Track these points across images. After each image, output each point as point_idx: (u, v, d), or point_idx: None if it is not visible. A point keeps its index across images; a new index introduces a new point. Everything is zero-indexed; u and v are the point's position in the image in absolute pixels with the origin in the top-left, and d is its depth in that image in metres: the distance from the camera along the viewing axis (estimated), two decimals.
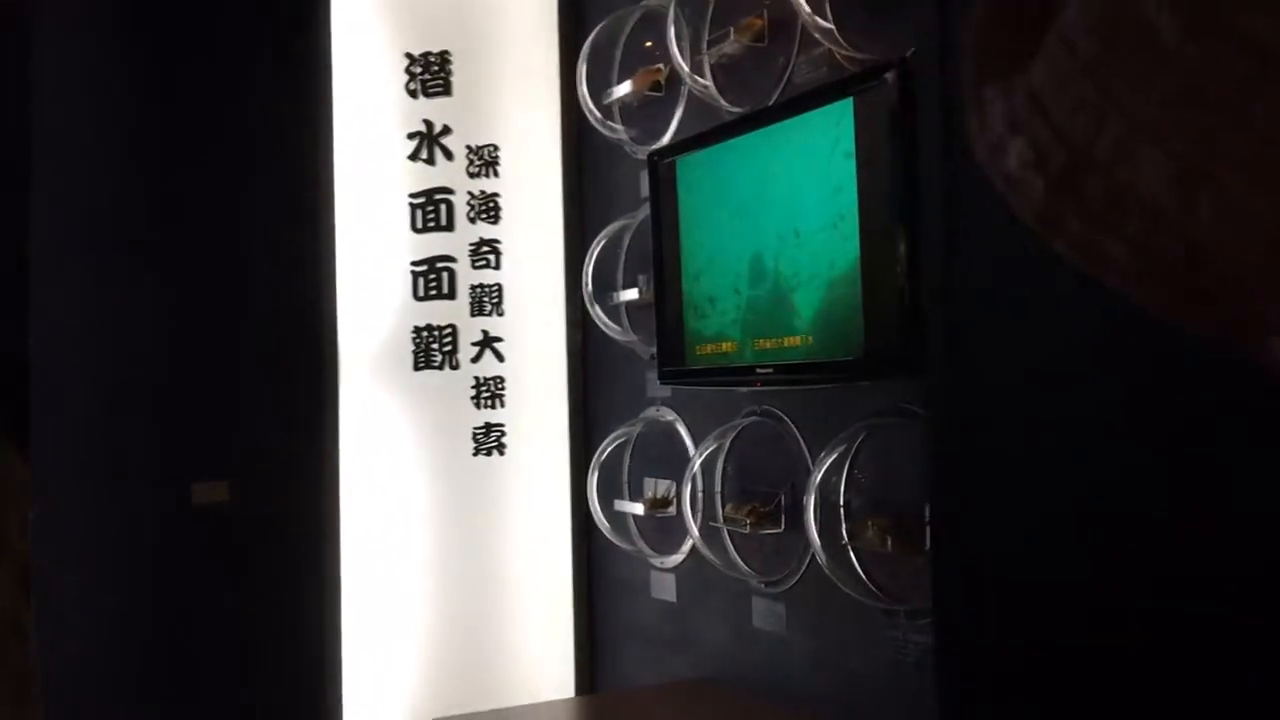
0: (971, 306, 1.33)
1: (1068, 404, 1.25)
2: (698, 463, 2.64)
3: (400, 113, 3.23)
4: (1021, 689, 1.35)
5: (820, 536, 2.24)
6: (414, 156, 3.23)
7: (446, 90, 3.23)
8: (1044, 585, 1.32)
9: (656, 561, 2.93)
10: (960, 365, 1.30)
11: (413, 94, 3.23)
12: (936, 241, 1.31)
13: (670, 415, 2.86)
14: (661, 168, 2.61)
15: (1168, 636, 1.18)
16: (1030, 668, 1.34)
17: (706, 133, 2.48)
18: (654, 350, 2.80)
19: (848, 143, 2.05)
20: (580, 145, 3.20)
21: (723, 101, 2.60)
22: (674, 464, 2.83)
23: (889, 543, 2.09)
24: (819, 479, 2.24)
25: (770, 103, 2.43)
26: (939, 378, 1.29)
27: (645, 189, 2.90)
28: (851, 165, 2.04)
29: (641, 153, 2.93)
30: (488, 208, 3.23)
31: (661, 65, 2.85)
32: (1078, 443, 1.26)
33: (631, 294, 2.88)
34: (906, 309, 1.95)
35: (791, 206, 2.20)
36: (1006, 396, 1.35)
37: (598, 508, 3.00)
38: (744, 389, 2.53)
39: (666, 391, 2.86)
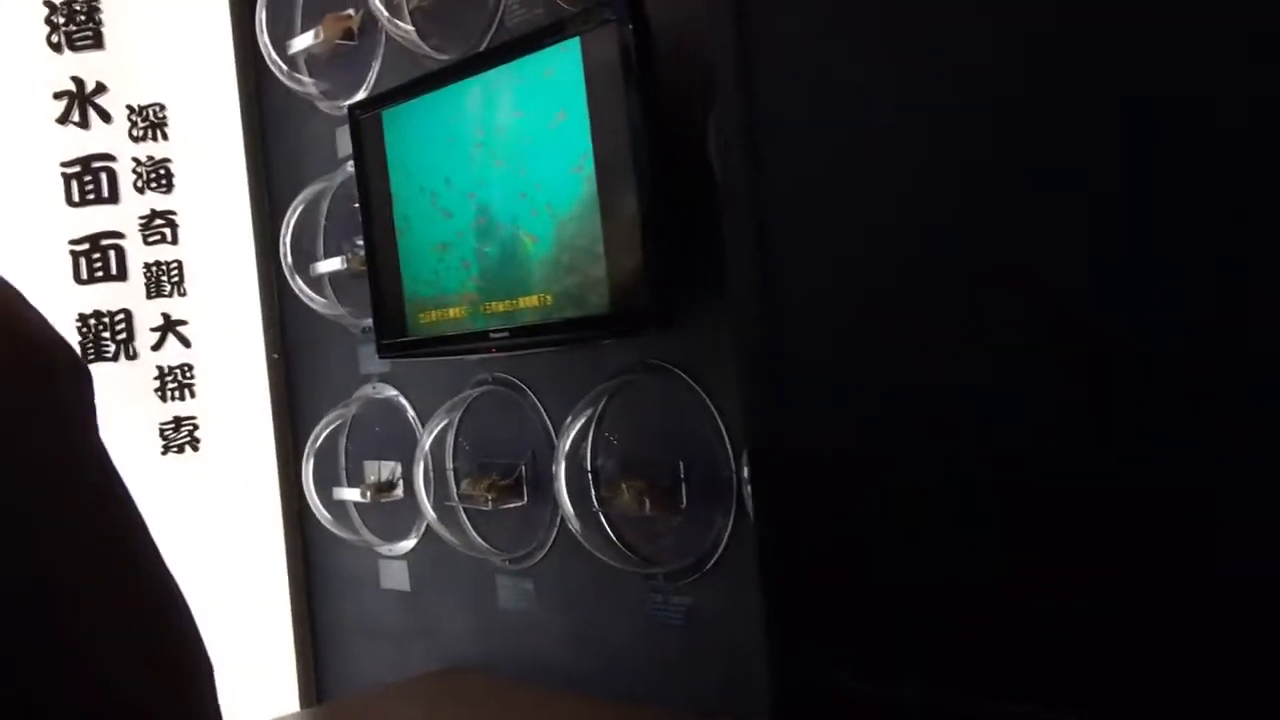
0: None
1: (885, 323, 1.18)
2: (427, 440, 2.45)
3: (43, 69, 2.80)
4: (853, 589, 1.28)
5: (572, 505, 2.12)
6: (63, 119, 2.82)
7: (98, 43, 2.82)
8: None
9: (384, 549, 2.72)
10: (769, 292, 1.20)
11: (56, 47, 2.81)
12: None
13: (390, 392, 2.65)
14: (365, 122, 2.38)
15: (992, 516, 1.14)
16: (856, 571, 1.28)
17: (416, 81, 2.27)
18: (367, 323, 2.57)
19: (577, 87, 1.92)
20: (262, 102, 2.90)
21: (426, 48, 2.41)
22: (398, 444, 2.63)
23: (646, 504, 1.99)
24: (568, 445, 2.11)
25: (482, 48, 2.26)
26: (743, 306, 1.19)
27: (343, 147, 2.66)
28: (584, 110, 1.91)
29: (335, 108, 2.68)
30: (158, 175, 2.87)
31: (352, 11, 2.61)
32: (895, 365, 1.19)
33: (335, 263, 2.64)
34: (652, 261, 1.84)
35: (520, 157, 2.04)
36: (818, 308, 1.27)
37: (315, 498, 2.75)
38: (475, 357, 2.36)
39: (385, 366, 2.65)
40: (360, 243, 2.56)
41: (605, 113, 1.89)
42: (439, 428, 2.45)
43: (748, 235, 1.23)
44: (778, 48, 1.23)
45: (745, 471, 1.83)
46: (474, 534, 2.46)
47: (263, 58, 2.76)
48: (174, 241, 2.88)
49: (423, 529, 2.59)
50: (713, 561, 1.99)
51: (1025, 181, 1.07)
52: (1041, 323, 1.07)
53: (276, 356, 2.94)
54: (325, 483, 2.75)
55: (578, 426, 2.11)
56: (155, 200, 2.87)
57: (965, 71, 1.10)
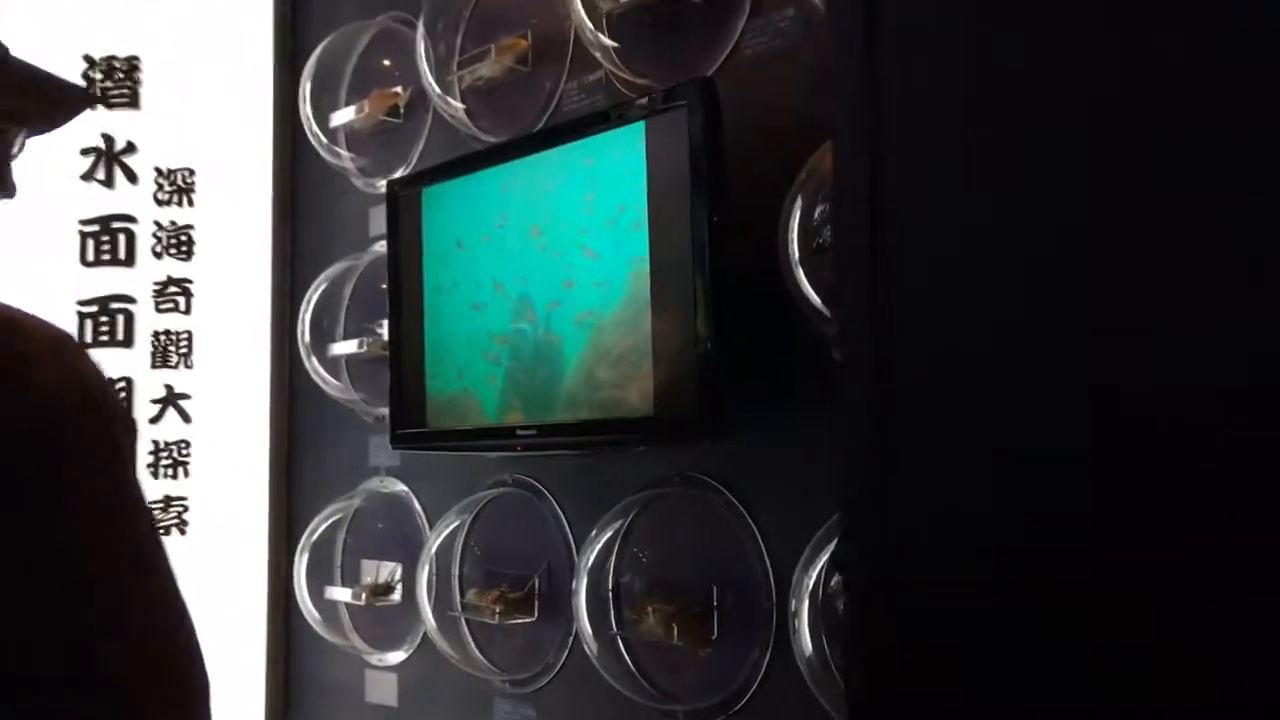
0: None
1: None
2: (435, 542, 2.26)
3: (74, 124, 2.70)
4: None
5: (591, 626, 1.93)
6: (88, 176, 2.71)
7: (133, 102, 2.74)
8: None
9: (374, 659, 2.50)
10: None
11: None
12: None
13: (398, 486, 2.47)
14: (404, 199, 2.26)
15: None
16: None
17: (462, 159, 2.15)
18: (382, 411, 2.42)
19: (637, 177, 1.80)
20: (296, 174, 2.79)
21: (474, 129, 2.30)
22: (401, 544, 2.44)
23: (675, 632, 1.80)
24: (592, 559, 1.93)
25: (536, 129, 2.15)
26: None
27: (375, 227, 2.54)
28: (642, 203, 1.78)
29: (371, 185, 2.57)
30: (178, 241, 2.75)
31: (400, 89, 2.52)
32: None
33: (353, 345, 2.49)
34: (705, 362, 1.69)
35: (567, 245, 1.91)
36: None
37: (305, 595, 2.55)
38: (494, 455, 2.19)
39: (395, 459, 2.48)
40: (382, 327, 2.42)
41: (666, 206, 1.76)
42: (449, 529, 2.26)
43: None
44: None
45: (793, 603, 1.64)
46: (475, 649, 2.25)
47: (301, 129, 2.66)
48: (187, 311, 2.74)
49: (418, 640, 2.39)
50: (743, 702, 1.78)
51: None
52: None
53: (281, 438, 2.77)
54: (318, 580, 2.56)
55: (604, 539, 1.93)
56: (173, 267, 2.74)
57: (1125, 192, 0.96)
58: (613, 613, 1.96)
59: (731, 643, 1.80)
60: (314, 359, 2.55)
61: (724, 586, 1.82)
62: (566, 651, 2.07)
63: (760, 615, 1.76)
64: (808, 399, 1.71)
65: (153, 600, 0.79)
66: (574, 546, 2.06)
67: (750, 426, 1.72)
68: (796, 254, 1.62)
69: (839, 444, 1.04)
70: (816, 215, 1.62)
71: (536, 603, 2.12)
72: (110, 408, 0.79)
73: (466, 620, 2.25)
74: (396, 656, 2.45)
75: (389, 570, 2.48)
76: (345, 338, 2.55)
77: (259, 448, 2.76)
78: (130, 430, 0.81)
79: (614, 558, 1.94)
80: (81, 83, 2.67)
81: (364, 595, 2.45)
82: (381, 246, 2.49)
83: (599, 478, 2.03)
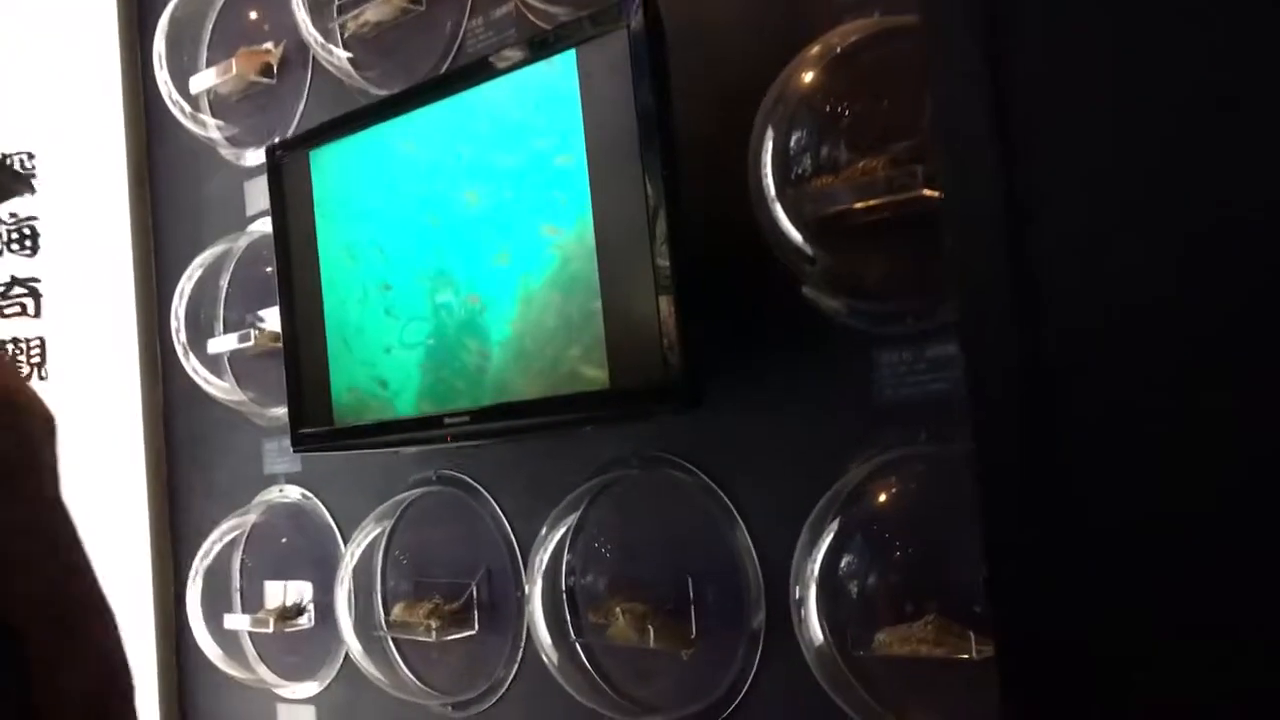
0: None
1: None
2: (353, 556, 1.98)
3: None
4: None
5: (551, 633, 1.68)
6: None
7: None
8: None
9: (286, 691, 2.21)
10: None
11: None
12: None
13: (301, 495, 2.18)
14: (287, 165, 1.96)
15: None
16: None
17: (359, 112, 1.87)
18: (278, 412, 2.12)
19: (570, 114, 1.55)
20: (154, 151, 2.46)
21: (363, 81, 2.02)
22: (309, 560, 2.15)
23: (650, 634, 1.57)
24: (546, 558, 1.69)
25: (441, 73, 1.89)
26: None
27: (252, 203, 2.25)
28: (578, 140, 1.53)
29: (245, 157, 2.26)
30: (21, 236, 2.40)
31: (270, 45, 2.21)
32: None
33: (233, 340, 2.18)
34: (670, 320, 1.45)
35: (492, 204, 1.65)
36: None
37: (200, 627, 2.24)
38: (414, 450, 1.93)
39: (295, 465, 2.18)
40: (269, 316, 2.13)
41: (608, 147, 1.51)
42: (368, 540, 1.99)
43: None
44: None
45: (796, 590, 1.42)
46: (406, 672, 1.98)
47: (157, 99, 2.33)
48: (36, 314, 2.39)
49: (338, 666, 2.10)
50: (730, 709, 1.56)
51: None
52: None
53: (157, 452, 2.44)
54: (214, 608, 2.25)
55: (558, 535, 1.69)
56: (16, 265, 2.39)
57: None
58: (569, 617, 1.71)
59: (714, 643, 1.58)
60: (192, 357, 2.23)
61: (701, 578, 1.59)
62: (516, 665, 1.82)
63: (746, 609, 1.54)
64: (784, 355, 1.50)
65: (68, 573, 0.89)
66: (517, 546, 1.82)
67: (718, 392, 1.49)
68: (773, 188, 1.40)
69: (976, 452, 0.79)
70: (793, 142, 1.40)
71: (476, 613, 1.87)
72: (28, 419, 0.88)
73: (395, 640, 1.98)
74: (312, 687, 2.16)
75: (297, 591, 2.18)
76: (226, 331, 2.24)
77: (134, 465, 2.42)
78: (52, 437, 0.89)
79: (569, 555, 1.70)
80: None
81: (271, 621, 2.15)
82: (262, 225, 2.20)
83: (541, 465, 1.79)
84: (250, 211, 2.25)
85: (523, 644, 1.80)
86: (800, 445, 1.48)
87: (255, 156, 2.23)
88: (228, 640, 2.25)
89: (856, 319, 1.42)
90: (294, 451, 2.01)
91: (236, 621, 2.23)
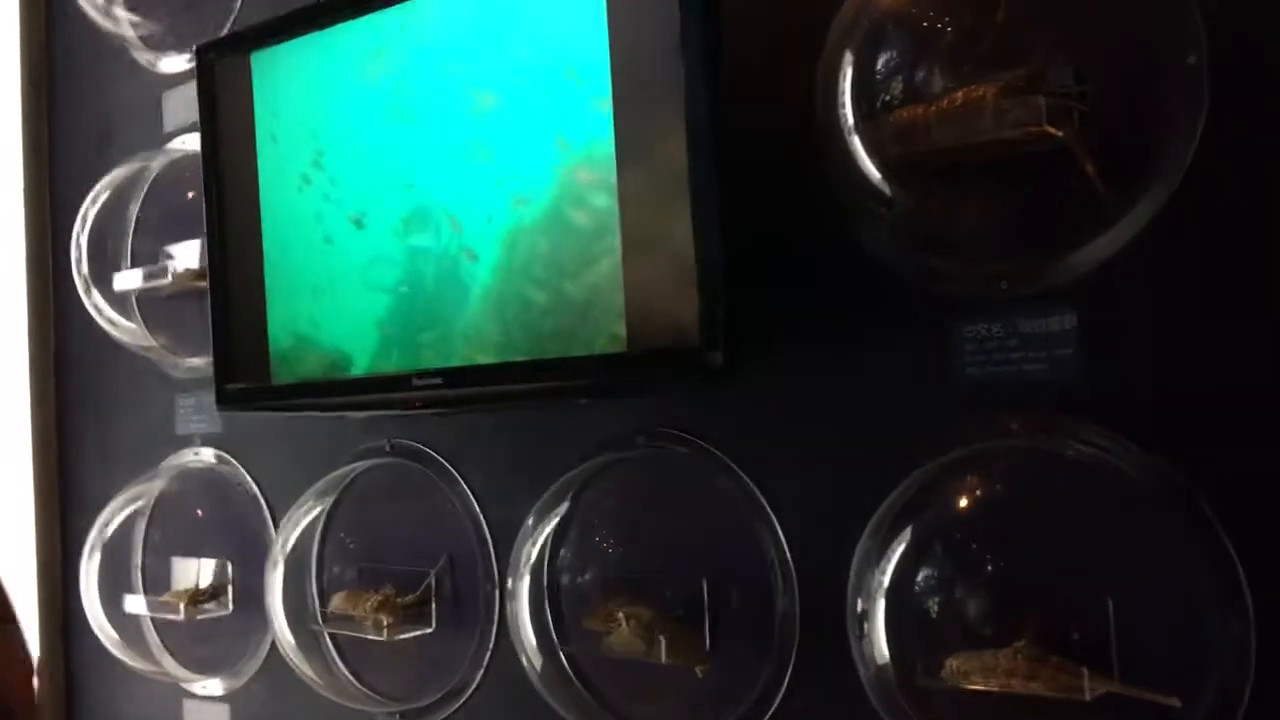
0: None
1: None
2: (288, 536, 1.69)
3: None
4: None
5: (537, 637, 1.42)
6: None
7: None
8: None
9: (196, 686, 1.92)
10: None
11: None
12: None
13: (218, 459, 1.88)
14: (221, 70, 1.64)
15: None
16: None
17: (315, 6, 1.56)
18: (196, 362, 1.82)
19: (591, 10, 1.28)
20: (53, 50, 2.10)
21: None
22: (228, 536, 1.86)
23: (662, 645, 1.32)
24: (535, 551, 1.42)
25: None
26: None
27: (172, 118, 1.93)
28: (602, 45, 1.26)
29: (164, 62, 1.93)
30: None
31: None
32: None
33: (140, 276, 1.86)
34: (708, 272, 1.19)
35: (488, 124, 1.37)
36: None
37: (95, 610, 1.93)
38: (364, 414, 1.64)
39: (214, 425, 1.88)
40: (188, 250, 1.82)
41: (637, 56, 1.25)
42: (307, 519, 1.70)
43: None
44: None
45: (859, 604, 1.18)
46: (344, 671, 1.71)
47: None
48: None
49: (260, 660, 1.82)
50: None
51: None
52: None
53: (47, 404, 2.11)
54: (112, 589, 1.94)
55: (553, 524, 1.42)
56: None
57: None
58: (551, 621, 1.46)
59: (733, 656, 1.34)
60: (95, 294, 1.90)
61: (720, 581, 1.35)
62: (482, 671, 1.56)
63: (775, 615, 1.30)
64: (840, 320, 1.26)
65: None
66: (489, 532, 1.55)
67: (753, 360, 1.24)
68: (849, 117, 1.15)
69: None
70: (880, 65, 1.15)
71: (435, 608, 1.60)
72: None
73: (332, 635, 1.70)
74: (227, 683, 1.87)
75: (212, 569, 1.89)
76: (136, 265, 1.92)
77: (18, 417, 2.09)
78: None
79: (563, 546, 1.44)
80: None
81: (180, 605, 1.85)
82: (182, 143, 1.89)
83: (522, 438, 1.52)
84: (169, 127, 1.93)
85: (491, 646, 1.54)
86: (855, 430, 1.25)
87: (176, 62, 1.91)
88: (127, 626, 1.94)
89: (935, 280, 1.19)
90: (219, 410, 1.70)
91: (137, 604, 1.92)
